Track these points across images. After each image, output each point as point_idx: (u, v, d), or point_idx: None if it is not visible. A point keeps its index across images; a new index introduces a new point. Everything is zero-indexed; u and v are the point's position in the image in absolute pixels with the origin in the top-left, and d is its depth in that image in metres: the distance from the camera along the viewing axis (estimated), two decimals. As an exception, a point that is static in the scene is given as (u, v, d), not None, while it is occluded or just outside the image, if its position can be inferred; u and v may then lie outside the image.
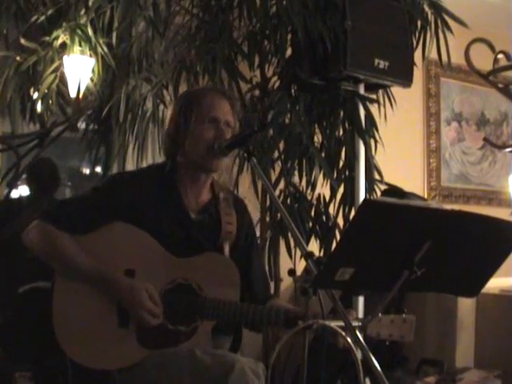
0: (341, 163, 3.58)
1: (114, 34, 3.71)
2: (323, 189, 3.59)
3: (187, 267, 2.17)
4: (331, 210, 3.59)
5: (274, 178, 3.48)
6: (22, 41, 3.69)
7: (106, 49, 3.67)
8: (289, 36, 3.41)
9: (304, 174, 3.52)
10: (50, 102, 3.78)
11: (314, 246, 3.49)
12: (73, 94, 3.69)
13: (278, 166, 3.53)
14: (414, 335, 1.99)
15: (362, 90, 3.43)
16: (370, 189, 3.49)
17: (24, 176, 4.08)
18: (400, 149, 4.81)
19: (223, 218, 2.30)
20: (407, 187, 3.91)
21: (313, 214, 3.59)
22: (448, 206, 1.73)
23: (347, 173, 3.53)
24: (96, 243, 2.16)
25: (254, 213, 3.04)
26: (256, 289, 2.37)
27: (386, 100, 3.71)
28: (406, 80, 3.43)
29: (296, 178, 3.58)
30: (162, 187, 2.26)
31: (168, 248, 2.18)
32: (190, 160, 2.25)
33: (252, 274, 2.37)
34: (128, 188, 2.22)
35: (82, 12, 3.65)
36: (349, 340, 1.77)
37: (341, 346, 2.07)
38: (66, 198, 2.41)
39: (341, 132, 3.57)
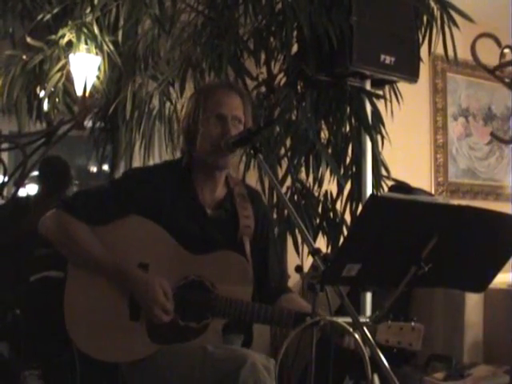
0: (348, 159, 3.57)
1: (120, 32, 3.71)
2: (330, 185, 3.58)
3: (201, 264, 2.17)
4: (338, 206, 3.58)
5: (280, 174, 3.48)
6: (28, 39, 3.70)
7: (112, 47, 3.67)
8: (294, 32, 3.40)
9: (311, 170, 3.52)
10: (57, 100, 3.79)
11: (321, 243, 3.49)
12: (79, 92, 3.71)
13: (284, 163, 3.52)
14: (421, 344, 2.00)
15: (368, 86, 3.43)
16: (376, 185, 3.48)
17: (35, 174, 4.10)
18: (407, 144, 4.80)
19: (240, 213, 2.30)
20: (414, 183, 3.90)
21: (320, 210, 3.58)
22: (455, 202, 1.73)
23: (354, 169, 3.53)
24: (111, 235, 2.16)
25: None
26: (272, 281, 2.36)
27: (393, 96, 3.70)
28: (413, 75, 3.42)
29: (303, 175, 3.58)
30: (178, 183, 2.26)
31: (183, 244, 2.17)
32: (201, 157, 2.25)
33: (269, 267, 2.36)
34: (145, 183, 2.22)
35: (88, 10, 3.66)
36: (356, 336, 1.77)
37: (345, 345, 2.08)
38: (83, 189, 2.38)
39: (347, 128, 3.56)
